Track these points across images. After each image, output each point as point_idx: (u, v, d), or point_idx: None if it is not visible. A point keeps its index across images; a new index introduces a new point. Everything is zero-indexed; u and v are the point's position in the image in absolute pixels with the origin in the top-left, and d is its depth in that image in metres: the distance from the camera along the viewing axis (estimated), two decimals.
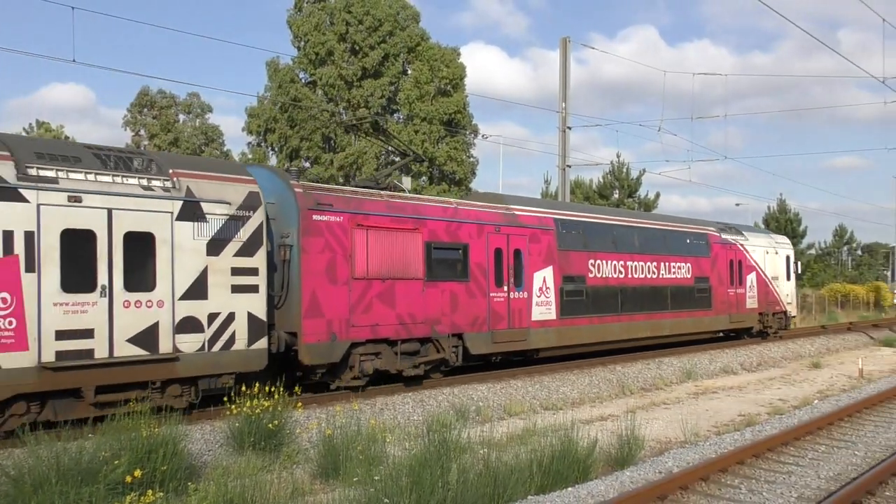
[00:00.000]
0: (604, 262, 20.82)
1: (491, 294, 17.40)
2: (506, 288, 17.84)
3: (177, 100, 49.82)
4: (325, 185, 16.01)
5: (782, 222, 59.07)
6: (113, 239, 11.35)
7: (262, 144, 40.01)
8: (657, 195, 47.00)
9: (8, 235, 10.35)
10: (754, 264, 28.02)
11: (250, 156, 39.70)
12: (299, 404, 11.60)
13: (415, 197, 17.64)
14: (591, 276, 20.38)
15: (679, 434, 12.80)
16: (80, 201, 11.07)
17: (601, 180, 46.42)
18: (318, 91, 39.24)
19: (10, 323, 10.28)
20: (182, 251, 12.07)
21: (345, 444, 9.72)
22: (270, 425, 10.47)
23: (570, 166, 26.60)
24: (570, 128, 26.27)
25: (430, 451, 8.58)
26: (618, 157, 49.61)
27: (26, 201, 10.56)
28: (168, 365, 11.91)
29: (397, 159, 41.04)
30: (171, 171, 12.29)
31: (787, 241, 33.07)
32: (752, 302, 27.74)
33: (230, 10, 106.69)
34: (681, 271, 23.91)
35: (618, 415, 14.37)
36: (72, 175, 11.10)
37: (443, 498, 7.75)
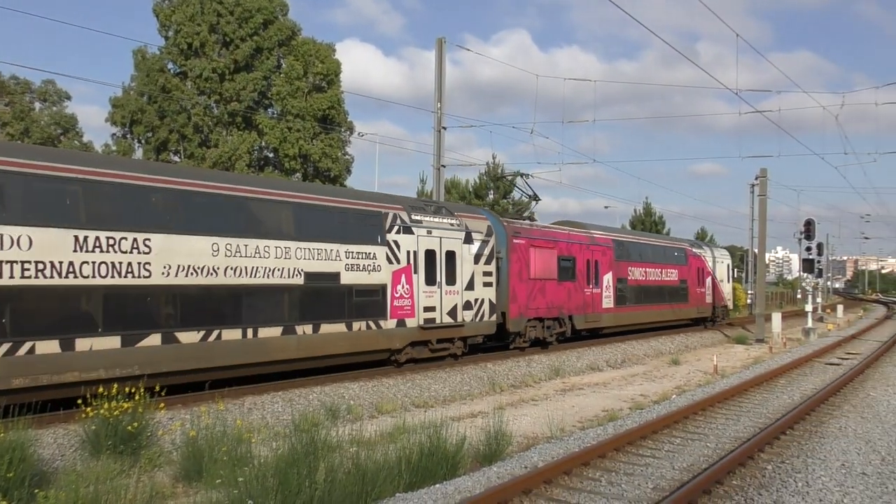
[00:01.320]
0: (635, 268, 30.49)
1: (584, 289, 26.35)
2: (591, 286, 26.78)
3: (32, 86, 46.90)
4: (516, 220, 24.87)
5: (648, 225, 61.41)
6: (441, 255, 19.55)
7: (128, 136, 38.30)
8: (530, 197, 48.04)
9: (409, 253, 18.52)
10: (711, 270, 37.99)
11: (114, 147, 37.88)
12: (162, 405, 11.17)
13: (550, 226, 27.50)
14: (629, 278, 29.85)
15: (546, 429, 13.10)
16: (431, 233, 19.33)
17: (477, 181, 47.01)
18: (187, 83, 37.91)
19: (409, 302, 18.46)
20: (464, 261, 20.34)
21: (209, 446, 9.44)
22: (130, 427, 10.03)
23: (445, 166, 26.80)
24: (445, 128, 26.45)
25: (297, 451, 8.44)
26: (493, 158, 50.35)
27: (413, 234, 18.74)
28: (460, 328, 20.21)
29: (270, 155, 40.31)
30: (456, 213, 20.78)
31: (728, 253, 43.94)
32: (709, 298, 37.72)
33: None
34: (672, 275, 33.72)
35: (487, 412, 14.58)
36: (425, 218, 19.34)
37: (309, 497, 7.65)
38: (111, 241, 12.71)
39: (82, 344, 12.15)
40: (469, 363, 20.59)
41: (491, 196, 45.93)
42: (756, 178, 37.13)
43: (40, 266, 11.77)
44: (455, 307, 19.86)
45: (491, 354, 22.00)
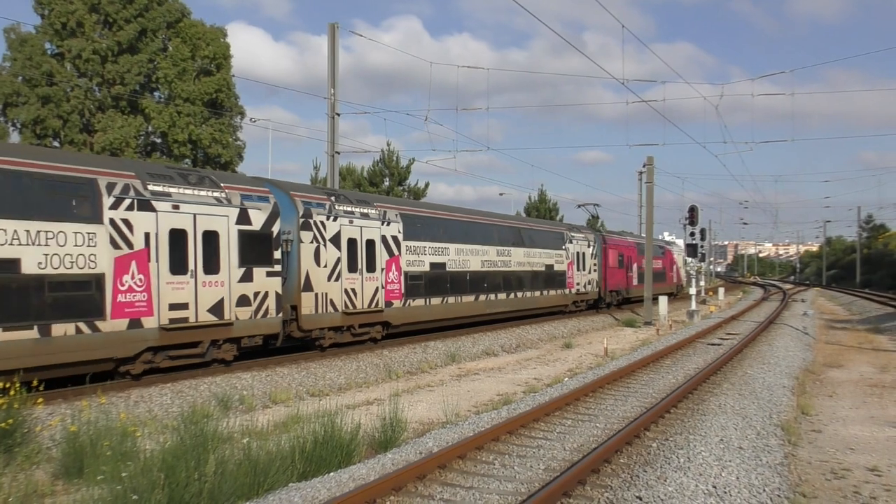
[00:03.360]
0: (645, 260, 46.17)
1: (628, 274, 43.21)
2: (629, 272, 43.46)
3: None
4: (607, 231, 44.63)
5: (542, 211, 62.48)
6: (582, 254, 36.83)
7: (2, 119, 36.06)
8: (427, 184, 48.10)
9: (572, 253, 35.60)
10: (675, 261, 55.74)
11: None
12: (40, 400, 10.66)
13: (614, 234, 44.26)
14: (640, 266, 44.26)
15: (441, 415, 13.19)
16: (578, 243, 36.42)
17: (372, 168, 46.75)
18: (66, 65, 36.02)
19: (572, 279, 35.75)
20: (588, 257, 37.35)
21: (91, 441, 9.06)
22: (3, 424, 9.52)
23: (339, 153, 26.51)
24: (339, 114, 26.15)
25: (185, 444, 8.21)
26: (388, 145, 50.22)
27: (572, 243, 35.67)
28: (587, 294, 37.54)
29: (158, 141, 38.92)
30: (582, 231, 38.11)
31: (682, 247, 60.05)
32: (675, 279, 55.72)
33: None
34: (660, 264, 49.67)
35: (383, 399, 14.58)
36: (575, 235, 36.52)
37: (199, 490, 7.47)
38: (479, 252, 27.01)
39: (479, 297, 26.77)
40: (365, 350, 20.51)
41: (387, 183, 45.78)
42: (643, 166, 38.34)
43: (456, 262, 25.24)
44: (585, 282, 36.80)
45: (387, 342, 21.98)
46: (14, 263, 12.14)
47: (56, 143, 35.87)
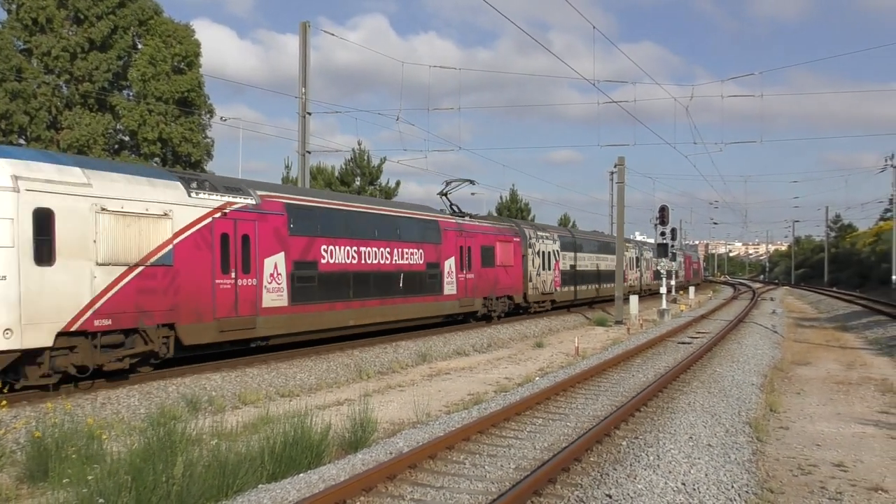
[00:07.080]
0: (691, 264, 77.01)
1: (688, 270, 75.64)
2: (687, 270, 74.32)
3: None
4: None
5: (513, 211, 62.70)
6: (642, 260, 59.63)
7: None
8: (398, 183, 48.01)
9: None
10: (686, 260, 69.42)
11: None
12: (3, 403, 10.47)
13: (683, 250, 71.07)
14: (692, 269, 76.47)
15: (412, 415, 13.16)
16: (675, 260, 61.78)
17: (343, 167, 46.53)
18: (33, 61, 35.48)
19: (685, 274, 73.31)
20: (644, 260, 57.67)
21: (56, 444, 8.93)
22: None
23: (310, 152, 26.37)
24: (310, 113, 26.00)
25: (152, 446, 8.12)
26: (359, 144, 50.10)
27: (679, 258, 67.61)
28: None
29: (126, 139, 38.49)
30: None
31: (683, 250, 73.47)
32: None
33: None
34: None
35: (354, 399, 14.48)
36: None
37: (166, 493, 7.39)
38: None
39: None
40: (335, 350, 20.42)
41: (357, 182, 45.65)
42: (615, 166, 38.55)
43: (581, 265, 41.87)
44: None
45: (357, 342, 21.91)
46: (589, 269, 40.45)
47: (22, 140, 35.32)
